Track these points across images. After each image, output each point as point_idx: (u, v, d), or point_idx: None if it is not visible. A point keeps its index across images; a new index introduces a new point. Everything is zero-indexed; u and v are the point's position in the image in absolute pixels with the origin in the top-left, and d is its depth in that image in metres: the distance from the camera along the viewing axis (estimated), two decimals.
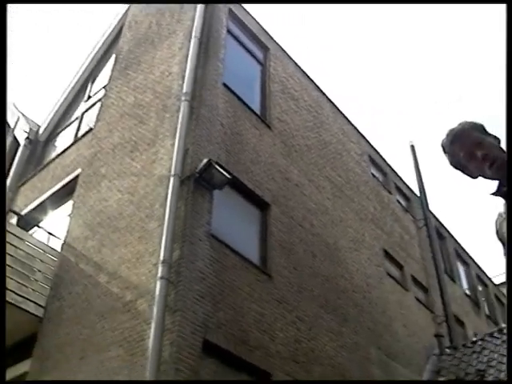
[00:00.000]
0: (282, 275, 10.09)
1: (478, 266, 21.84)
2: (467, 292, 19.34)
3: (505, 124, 2.54)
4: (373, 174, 16.37)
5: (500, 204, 2.64)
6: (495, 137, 2.62)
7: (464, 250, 20.99)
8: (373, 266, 13.61)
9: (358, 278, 12.63)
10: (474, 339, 14.42)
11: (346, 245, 12.84)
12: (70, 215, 11.10)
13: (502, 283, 24.13)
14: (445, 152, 2.66)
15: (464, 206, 60.77)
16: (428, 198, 18.33)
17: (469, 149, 2.55)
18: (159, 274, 7.97)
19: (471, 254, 21.44)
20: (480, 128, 2.62)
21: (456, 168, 2.66)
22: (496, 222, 2.67)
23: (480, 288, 21.12)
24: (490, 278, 22.62)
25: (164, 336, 7.46)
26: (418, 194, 18.57)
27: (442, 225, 19.86)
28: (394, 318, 13.39)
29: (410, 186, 18.81)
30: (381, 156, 17.51)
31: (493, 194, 2.57)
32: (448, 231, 20.15)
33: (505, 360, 12.15)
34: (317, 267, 11.27)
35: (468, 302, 18.83)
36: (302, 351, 9.66)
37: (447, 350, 14.23)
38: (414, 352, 13.59)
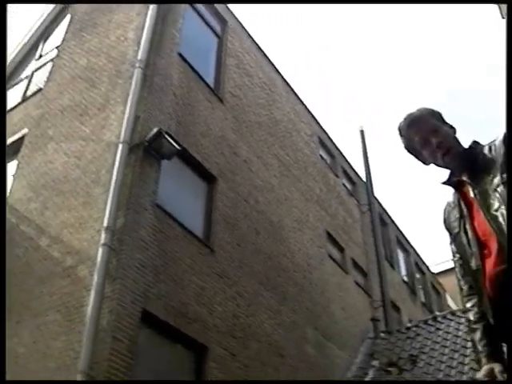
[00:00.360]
0: (225, 250, 10.19)
1: (417, 254, 22.43)
2: (405, 279, 19.86)
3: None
4: (321, 156, 16.58)
5: (449, 193, 2.74)
6: (451, 126, 2.70)
7: (405, 238, 21.52)
8: (315, 247, 13.85)
9: (300, 258, 12.84)
10: (409, 325, 14.89)
11: (290, 224, 13.02)
12: (13, 175, 10.91)
13: (439, 272, 24.89)
14: (401, 135, 2.72)
15: (407, 194, 62.02)
16: (373, 183, 18.72)
17: (424, 135, 2.61)
18: (102, 241, 7.94)
19: (411, 242, 22.01)
20: (437, 115, 2.69)
21: (410, 152, 2.72)
22: (444, 210, 2.77)
23: (418, 276, 21.71)
24: (427, 267, 23.26)
25: (103, 303, 7.46)
26: (364, 179, 18.92)
27: (386, 211, 20.30)
28: (332, 299, 13.68)
29: (357, 171, 19.15)
30: (330, 138, 17.74)
31: (443, 182, 2.66)
32: (391, 218, 20.61)
33: (437, 347, 12.61)
34: (259, 244, 11.41)
35: (405, 289, 19.36)
36: (239, 327, 9.80)
37: (382, 334, 14.65)
38: (350, 334, 13.95)
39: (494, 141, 2.55)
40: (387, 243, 19.10)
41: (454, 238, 2.65)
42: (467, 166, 2.56)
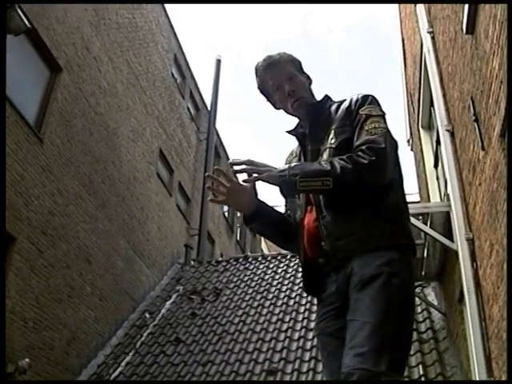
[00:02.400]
0: (54, 144, 10.10)
1: None
2: (226, 214, 20.64)
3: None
4: (172, 74, 16.64)
5: (294, 143, 2.81)
6: (308, 77, 2.74)
7: (235, 174, 22.20)
8: (145, 162, 14.04)
9: (127, 169, 12.99)
10: (220, 259, 15.68)
11: (126, 133, 13.08)
12: None
13: None
14: (256, 75, 2.73)
15: (250, 133, 63.33)
16: (217, 114, 19.09)
17: (279, 80, 2.64)
18: None
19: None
20: (297, 64, 2.72)
21: (262, 93, 2.76)
22: (286, 159, 2.86)
23: (238, 214, 22.62)
24: None
25: None
26: (209, 107, 19.22)
27: (222, 144, 20.82)
28: (150, 217, 14.04)
29: (204, 98, 19.39)
30: (186, 59, 17.81)
31: (288, 131, 2.75)
32: (226, 152, 21.18)
33: (242, 285, 13.42)
34: (91, 146, 11.40)
35: (224, 224, 20.18)
36: (53, 225, 9.86)
37: (192, 262, 15.31)
38: (161, 255, 14.44)
39: (344, 100, 2.62)
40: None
41: None
42: (312, 119, 2.63)
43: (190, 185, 17.17)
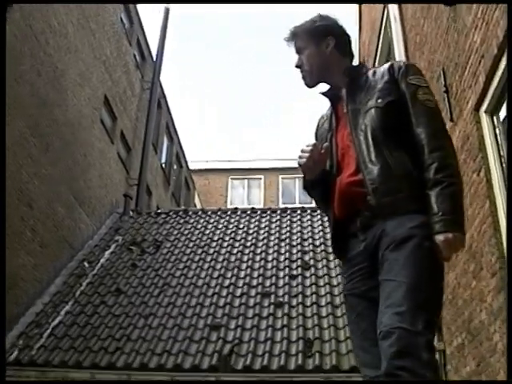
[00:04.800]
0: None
1: (181, 146, 23.04)
2: (163, 166, 20.36)
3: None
4: (121, 19, 16.09)
5: (326, 104, 2.89)
6: (329, 41, 2.75)
7: (174, 127, 21.92)
8: (90, 107, 13.59)
9: (73, 114, 12.54)
10: (160, 211, 15.47)
11: (73, 76, 12.59)
12: None
13: (194, 170, 25.90)
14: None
15: (192, 87, 62.33)
16: (162, 65, 18.69)
17: (295, 51, 2.81)
18: None
19: (179, 132, 22.53)
20: (314, 32, 2.77)
21: None
22: (318, 121, 2.95)
23: (175, 167, 22.39)
24: (186, 161, 24.04)
25: None
26: (154, 57, 18.78)
27: (164, 95, 20.40)
28: (92, 165, 13.65)
29: (151, 48, 18.93)
30: (135, 5, 17.27)
31: (322, 93, 2.82)
32: (167, 103, 20.80)
33: (183, 239, 13.31)
34: (37, 87, 10.90)
35: (161, 176, 19.89)
36: None
37: (131, 213, 15.05)
38: (101, 204, 14.12)
39: (380, 67, 2.72)
40: (157, 126, 19.32)
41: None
42: (348, 83, 2.71)
43: (131, 134, 16.78)
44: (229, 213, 15.15)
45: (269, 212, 15.10)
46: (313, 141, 2.76)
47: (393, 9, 9.03)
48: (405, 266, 2.24)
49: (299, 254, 12.16)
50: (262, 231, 13.68)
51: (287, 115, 60.40)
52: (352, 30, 14.23)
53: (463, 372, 5.90)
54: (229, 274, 11.47)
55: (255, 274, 11.42)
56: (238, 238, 13.33)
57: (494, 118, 5.25)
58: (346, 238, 2.59)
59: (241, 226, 14.14)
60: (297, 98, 61.95)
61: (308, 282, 10.96)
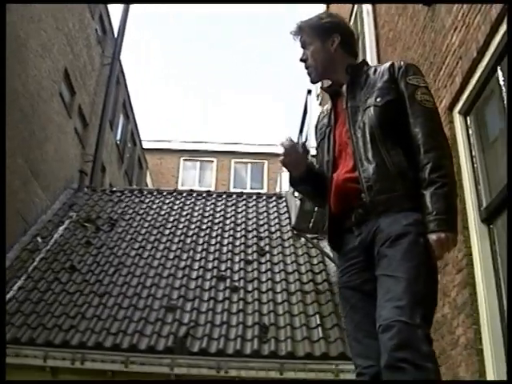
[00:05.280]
0: None
1: (136, 125, 22.78)
2: (118, 143, 20.11)
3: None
4: None
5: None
6: (335, 38, 2.80)
7: (130, 105, 21.64)
8: (50, 80, 13.28)
9: (33, 86, 12.22)
10: (115, 189, 15.30)
11: (34, 47, 12.25)
12: None
13: (147, 149, 25.65)
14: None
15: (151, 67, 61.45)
16: (124, 41, 18.42)
17: (300, 45, 2.87)
18: None
19: (135, 111, 22.28)
20: (319, 29, 2.82)
21: None
22: (318, 116, 3.03)
23: (129, 145, 22.13)
24: (140, 140, 23.78)
25: None
26: (116, 33, 18.50)
27: (123, 72, 20.09)
28: (49, 138, 13.36)
29: (113, 23, 18.65)
30: None
31: (323, 88, 3.02)
32: (125, 81, 20.50)
33: (138, 218, 13.20)
34: None
35: (116, 153, 19.63)
36: None
37: (86, 189, 14.82)
38: (56, 179, 13.84)
39: (381, 65, 2.78)
40: (114, 103, 19.03)
41: (319, 144, 2.92)
42: (349, 80, 2.77)
43: (89, 109, 16.47)
44: (184, 194, 15.09)
45: (224, 196, 15.11)
46: (288, 135, 2.85)
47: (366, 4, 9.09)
48: (402, 261, 2.32)
49: (255, 240, 12.21)
50: (217, 215, 13.68)
51: (246, 100, 60.34)
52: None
53: None
54: (184, 256, 11.44)
55: (210, 258, 11.42)
56: (194, 220, 13.30)
57: (468, 118, 5.36)
58: (342, 232, 2.67)
59: (196, 208, 14.10)
60: (256, 85, 61.80)
61: (263, 268, 11.02)
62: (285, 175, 27.00)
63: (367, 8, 9.05)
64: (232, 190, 23.43)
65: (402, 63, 2.73)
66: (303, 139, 10.73)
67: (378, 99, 2.62)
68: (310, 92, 10.52)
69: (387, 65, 2.74)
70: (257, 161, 28.41)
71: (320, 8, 13.72)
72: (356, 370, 2.51)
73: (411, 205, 2.44)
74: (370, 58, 8.59)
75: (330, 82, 2.90)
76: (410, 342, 2.16)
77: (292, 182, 2.95)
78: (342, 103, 2.79)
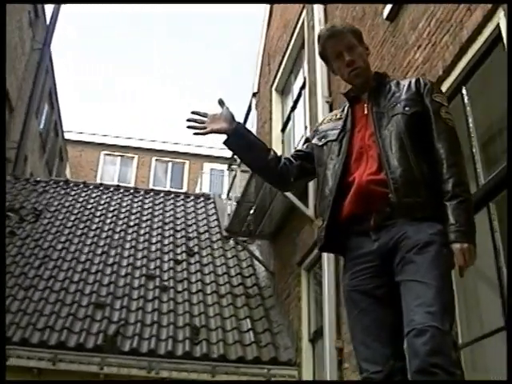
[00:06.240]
0: None
1: (60, 115, 22.07)
2: (41, 132, 19.40)
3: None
4: None
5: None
6: (367, 48, 2.96)
7: (56, 94, 20.94)
8: None
9: None
10: (39, 179, 14.75)
11: None
12: None
13: (69, 140, 24.97)
14: (318, 42, 2.93)
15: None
16: (56, 28, 17.86)
17: (340, 49, 2.83)
18: None
19: (60, 101, 21.59)
20: (358, 34, 2.91)
21: (322, 59, 2.99)
22: (324, 119, 3.10)
23: (52, 134, 21.39)
24: (63, 131, 23.07)
25: None
26: (48, 21, 17.90)
27: (52, 62, 19.38)
28: None
29: (46, 9, 18.04)
30: None
31: (343, 93, 2.96)
32: (53, 69, 19.81)
33: (64, 210, 12.77)
34: None
35: (38, 142, 18.90)
36: None
37: (9, 177, 14.18)
38: None
39: (403, 80, 2.89)
40: (41, 91, 18.33)
41: (325, 143, 2.90)
42: (371, 88, 2.84)
43: (16, 94, 15.79)
44: (111, 189, 14.70)
45: (152, 193, 14.84)
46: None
47: (318, 10, 9.06)
48: (430, 269, 2.35)
49: (183, 240, 12.02)
50: (145, 212, 13.39)
51: (165, 95, 59.74)
52: (258, 22, 14.13)
53: None
54: (112, 252, 11.11)
55: (139, 255, 11.15)
56: (122, 216, 12.96)
57: None
58: (352, 235, 2.66)
59: (124, 204, 13.76)
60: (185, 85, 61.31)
61: (193, 269, 10.85)
62: (206, 175, 27.14)
63: (319, 16, 9.04)
64: (151, 187, 23.05)
65: (428, 81, 2.83)
66: None
67: (407, 108, 2.68)
68: (254, 95, 10.49)
69: (413, 80, 2.82)
70: (178, 160, 28.16)
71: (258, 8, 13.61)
72: (362, 375, 2.51)
73: (432, 213, 2.50)
74: (320, 66, 8.56)
75: (350, 87, 2.96)
76: (442, 348, 2.19)
77: (225, 142, 2.97)
78: (362, 108, 2.83)
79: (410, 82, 2.79)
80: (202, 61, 62.21)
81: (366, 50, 2.94)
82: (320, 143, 2.93)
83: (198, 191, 20.84)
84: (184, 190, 24.86)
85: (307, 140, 3.12)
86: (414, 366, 2.21)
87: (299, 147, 3.20)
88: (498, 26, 4.36)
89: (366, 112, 2.79)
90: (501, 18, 4.32)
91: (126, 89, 58.69)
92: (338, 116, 2.96)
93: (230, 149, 3.07)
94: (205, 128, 2.90)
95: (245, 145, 2.99)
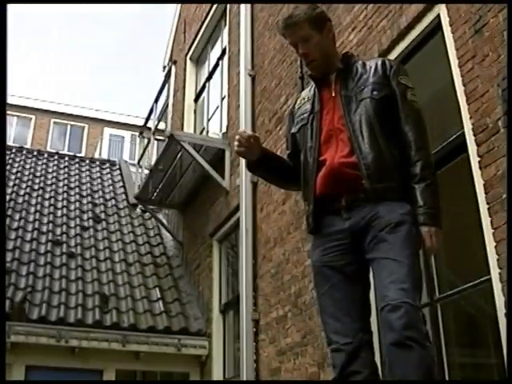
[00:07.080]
0: None
1: None
2: None
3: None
4: None
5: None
6: (329, 30, 2.87)
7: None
8: None
9: None
10: None
11: None
12: None
13: None
14: (278, 30, 2.95)
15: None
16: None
17: (295, 40, 2.83)
18: None
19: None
20: (315, 21, 2.82)
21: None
22: (295, 102, 3.07)
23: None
24: None
25: None
26: None
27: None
28: None
29: None
30: None
31: (310, 75, 2.98)
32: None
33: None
34: None
35: None
36: None
37: None
38: None
39: (369, 60, 2.93)
40: None
41: (299, 129, 2.92)
42: (338, 70, 2.85)
43: None
44: (13, 150, 14.07)
45: (56, 157, 14.31)
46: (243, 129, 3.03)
47: None
48: (402, 248, 2.46)
49: (90, 206, 11.69)
50: (49, 176, 12.89)
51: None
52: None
53: (283, 343, 6.17)
54: (17, 217, 10.62)
55: (45, 220, 10.76)
56: (25, 179, 12.42)
57: None
58: (324, 213, 2.72)
59: (27, 166, 13.22)
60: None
61: (100, 236, 10.59)
62: (105, 141, 26.47)
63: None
64: (49, 150, 22.22)
65: (393, 63, 2.88)
66: (158, 109, 10.53)
67: (375, 92, 2.72)
68: (175, 63, 10.31)
69: (379, 62, 2.85)
70: (77, 123, 27.34)
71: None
72: (332, 346, 2.59)
73: (403, 195, 2.59)
74: (244, 39, 8.48)
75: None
76: (415, 322, 2.31)
77: (250, 168, 2.99)
78: (329, 91, 2.84)
79: (377, 65, 2.81)
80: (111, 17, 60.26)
81: (328, 33, 2.86)
82: (295, 130, 2.96)
83: (97, 156, 20.34)
84: (82, 154, 24.15)
85: (291, 134, 3.06)
86: (390, 338, 2.33)
87: (288, 144, 3.13)
88: (438, 16, 4.47)
89: (333, 94, 2.81)
90: (441, 8, 4.42)
91: (28, 51, 56.01)
92: (306, 99, 2.96)
93: (253, 173, 3.32)
94: (244, 148, 2.81)
95: (265, 171, 3.05)
